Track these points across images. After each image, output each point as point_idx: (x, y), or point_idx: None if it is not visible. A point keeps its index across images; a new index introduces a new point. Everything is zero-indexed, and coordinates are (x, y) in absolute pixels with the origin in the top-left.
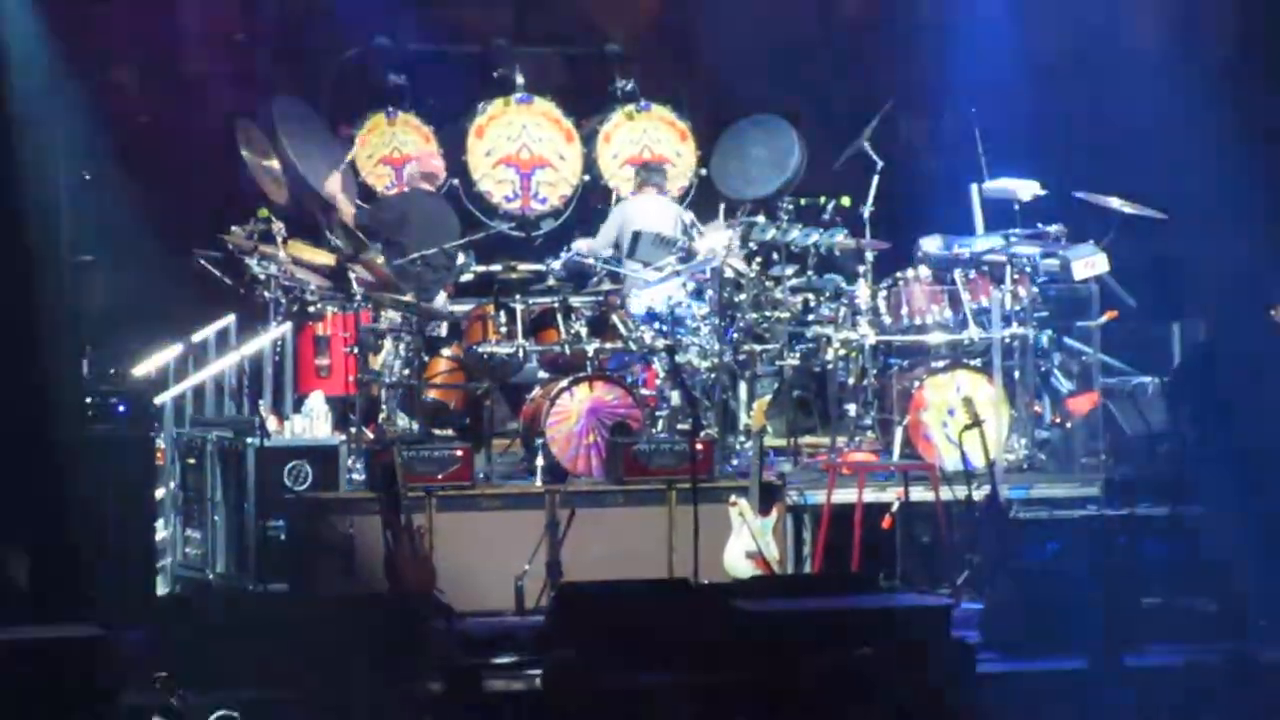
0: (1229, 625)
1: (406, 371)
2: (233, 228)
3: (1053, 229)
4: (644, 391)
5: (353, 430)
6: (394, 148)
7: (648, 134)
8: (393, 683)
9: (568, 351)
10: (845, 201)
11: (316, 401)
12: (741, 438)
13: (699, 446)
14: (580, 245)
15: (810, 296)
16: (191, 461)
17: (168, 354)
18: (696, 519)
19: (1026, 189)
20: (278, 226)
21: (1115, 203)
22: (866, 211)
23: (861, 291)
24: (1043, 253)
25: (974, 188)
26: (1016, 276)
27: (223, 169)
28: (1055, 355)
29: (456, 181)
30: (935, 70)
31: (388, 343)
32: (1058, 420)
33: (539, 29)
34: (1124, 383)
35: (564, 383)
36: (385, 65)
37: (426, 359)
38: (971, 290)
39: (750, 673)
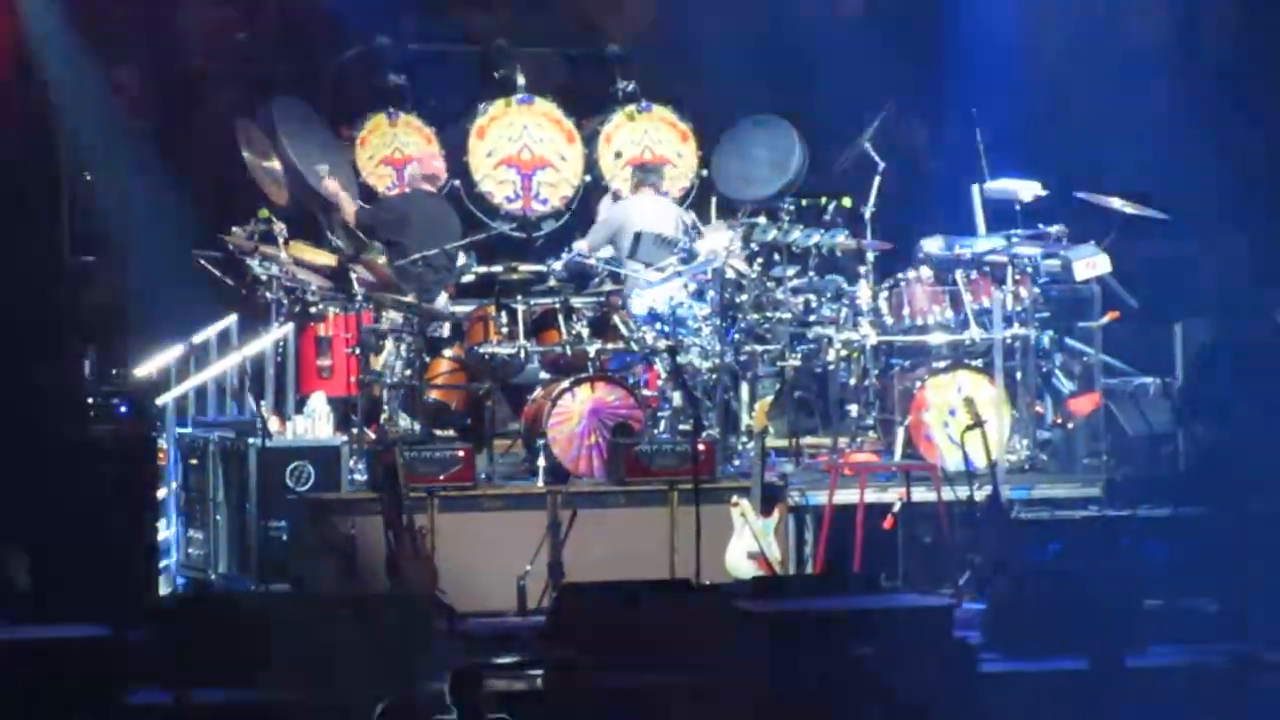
0: (1230, 626)
1: (408, 372)
2: (233, 228)
3: (1054, 229)
4: (646, 392)
5: (354, 431)
6: (395, 148)
7: (649, 135)
8: (394, 683)
9: (569, 352)
10: (846, 202)
11: (318, 402)
12: (743, 438)
13: (701, 447)
14: (581, 246)
15: (811, 297)
16: (194, 462)
17: (169, 354)
18: (698, 520)
19: (1028, 189)
20: (279, 227)
21: (1116, 203)
22: (868, 212)
23: (863, 292)
24: (1044, 253)
25: (975, 188)
26: (1018, 277)
27: (223, 169)
28: (1057, 356)
29: (458, 182)
30: (936, 70)
31: (389, 343)
32: (1059, 421)
33: (540, 29)
34: (1126, 383)
35: (565, 383)
36: (386, 65)
37: (428, 360)
38: (973, 291)
39: (751, 673)
